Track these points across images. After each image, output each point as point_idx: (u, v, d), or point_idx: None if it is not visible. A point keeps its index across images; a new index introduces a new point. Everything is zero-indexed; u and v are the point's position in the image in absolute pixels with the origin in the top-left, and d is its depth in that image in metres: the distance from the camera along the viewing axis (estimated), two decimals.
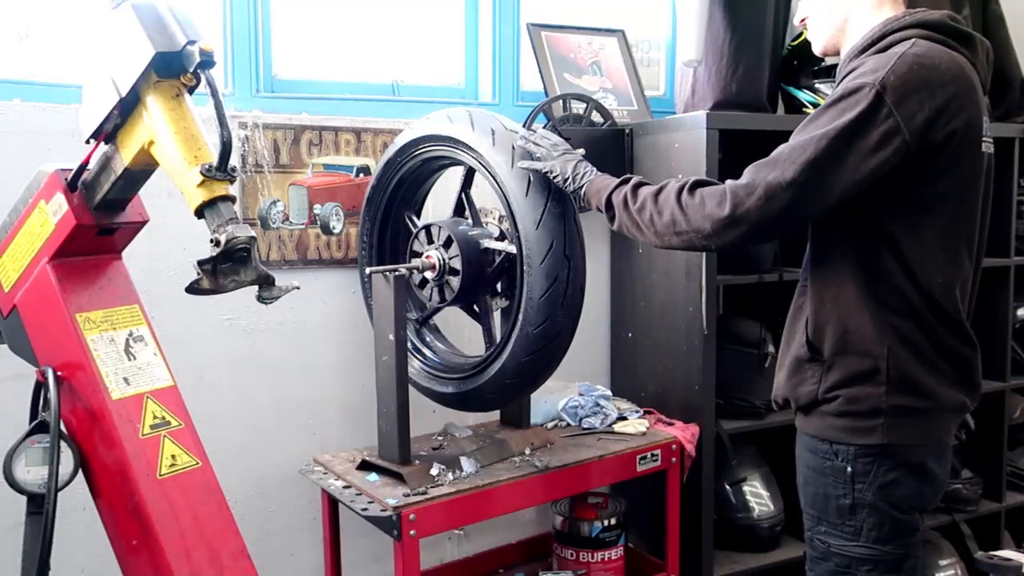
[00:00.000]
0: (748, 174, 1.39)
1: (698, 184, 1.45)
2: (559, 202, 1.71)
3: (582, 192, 1.64)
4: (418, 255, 1.93)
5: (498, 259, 1.88)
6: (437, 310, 2.06)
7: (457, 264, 1.85)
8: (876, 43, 1.42)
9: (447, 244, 1.87)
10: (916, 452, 1.43)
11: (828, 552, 1.48)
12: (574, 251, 1.72)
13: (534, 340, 1.74)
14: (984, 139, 1.43)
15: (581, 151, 1.75)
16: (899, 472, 1.42)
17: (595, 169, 1.67)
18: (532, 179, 1.70)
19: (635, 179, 1.59)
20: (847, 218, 1.41)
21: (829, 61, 2.39)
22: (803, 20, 1.61)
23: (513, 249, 1.77)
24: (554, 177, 1.67)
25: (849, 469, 1.43)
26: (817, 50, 1.58)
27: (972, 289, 1.51)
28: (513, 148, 1.72)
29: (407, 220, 2.09)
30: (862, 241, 1.42)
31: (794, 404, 1.53)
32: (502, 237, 1.89)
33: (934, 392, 1.42)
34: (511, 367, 1.80)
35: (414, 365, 2.06)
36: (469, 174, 1.94)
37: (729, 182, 1.41)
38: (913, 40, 1.37)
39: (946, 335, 1.43)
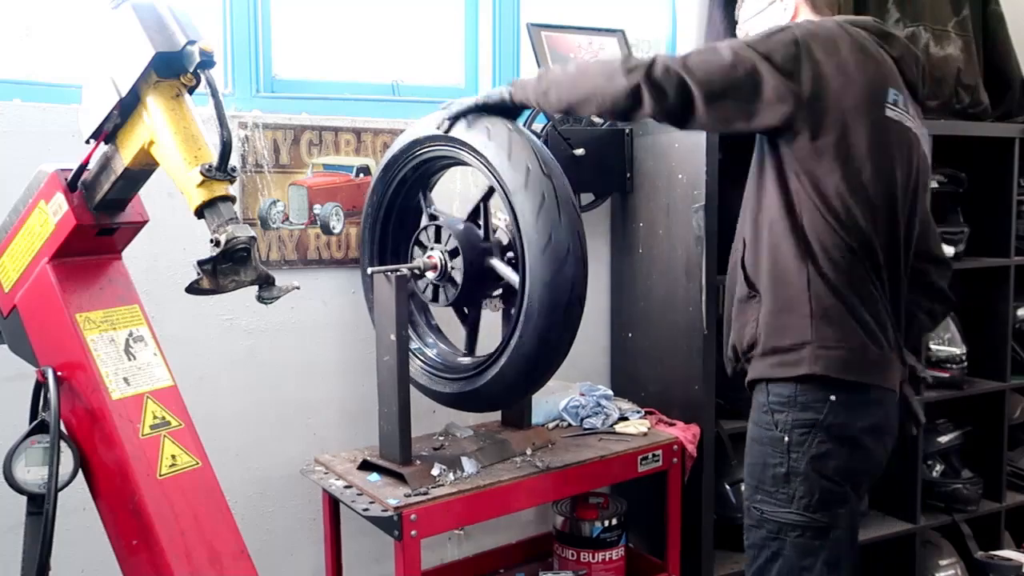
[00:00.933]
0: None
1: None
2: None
3: (508, 91, 1.71)
4: (422, 245, 1.92)
5: (500, 282, 1.88)
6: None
7: (458, 277, 1.85)
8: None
9: (453, 253, 1.86)
10: (849, 426, 1.50)
11: (762, 519, 1.56)
12: (575, 243, 1.71)
13: (534, 343, 1.74)
14: (890, 107, 1.52)
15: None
16: (832, 444, 1.49)
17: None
18: (530, 168, 1.69)
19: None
20: (766, 157, 1.54)
21: None
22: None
23: (516, 280, 1.77)
24: (483, 105, 1.74)
25: (786, 439, 1.51)
26: None
27: (905, 250, 1.58)
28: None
29: (421, 198, 2.05)
30: (782, 177, 1.52)
31: (740, 350, 1.61)
32: (510, 247, 1.87)
33: (853, 333, 1.49)
34: (510, 369, 1.80)
35: (415, 365, 2.06)
36: (490, 190, 1.90)
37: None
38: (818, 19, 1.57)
39: (858, 284, 1.50)
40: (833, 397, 1.49)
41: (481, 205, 1.93)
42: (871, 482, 1.64)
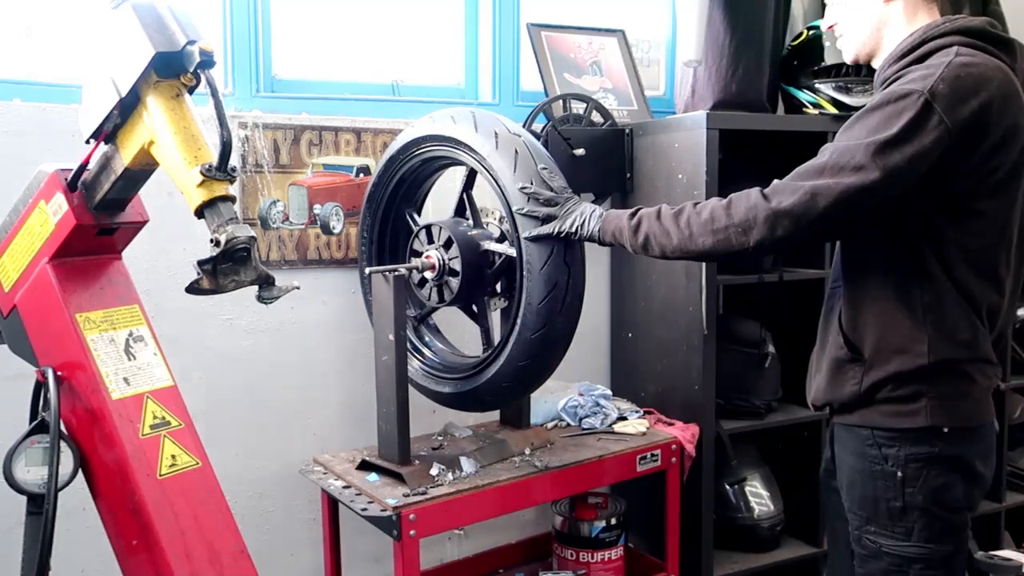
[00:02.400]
0: (792, 176, 1.40)
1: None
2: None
3: (597, 231, 1.62)
4: (418, 254, 1.93)
5: (498, 261, 1.88)
6: (435, 308, 2.06)
7: (457, 265, 1.85)
8: (916, 49, 1.41)
9: (447, 245, 1.87)
10: (963, 456, 1.45)
11: (879, 552, 1.50)
12: (574, 258, 1.72)
13: (532, 345, 1.74)
14: None
15: (578, 200, 1.71)
16: (949, 476, 1.44)
17: (597, 207, 1.66)
18: (534, 184, 1.70)
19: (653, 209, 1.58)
20: (888, 217, 1.42)
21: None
22: (831, 27, 1.59)
23: (513, 252, 1.77)
24: (566, 234, 1.65)
25: (900, 474, 1.45)
26: (848, 57, 1.58)
27: (1012, 295, 1.52)
28: (513, 217, 1.70)
29: (408, 217, 2.09)
30: (901, 239, 1.43)
31: (836, 404, 1.54)
32: (502, 238, 1.89)
33: (972, 376, 1.46)
34: (508, 371, 1.80)
35: (413, 364, 2.06)
36: (471, 175, 1.94)
37: (774, 182, 1.42)
38: (956, 48, 1.37)
39: (980, 330, 1.46)
40: (946, 429, 1.44)
41: (464, 196, 1.95)
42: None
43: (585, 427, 2.27)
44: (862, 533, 1.52)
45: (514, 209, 1.71)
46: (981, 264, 1.42)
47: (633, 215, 1.58)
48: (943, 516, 1.46)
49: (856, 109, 2.34)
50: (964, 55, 1.35)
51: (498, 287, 1.94)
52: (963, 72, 1.32)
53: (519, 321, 1.74)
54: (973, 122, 1.31)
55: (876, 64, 1.53)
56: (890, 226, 1.44)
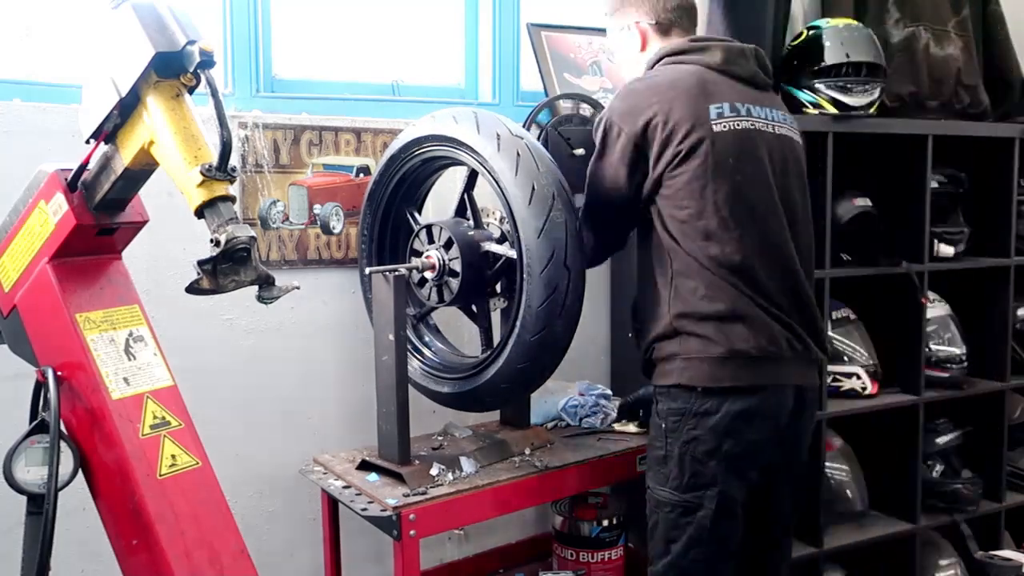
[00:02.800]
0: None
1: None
2: (562, 212, 1.71)
3: None
4: (418, 253, 1.93)
5: (498, 262, 1.88)
6: (434, 308, 2.07)
7: (457, 266, 1.85)
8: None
9: (447, 245, 1.87)
10: (720, 414, 1.62)
11: (648, 494, 1.73)
12: (575, 261, 1.72)
13: (531, 347, 1.75)
14: (718, 120, 1.64)
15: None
16: (702, 431, 1.63)
17: None
18: (535, 187, 1.70)
19: None
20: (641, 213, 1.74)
21: None
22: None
23: (513, 254, 1.77)
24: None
25: (663, 425, 1.68)
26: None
27: (790, 251, 1.69)
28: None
29: (409, 216, 2.08)
30: (644, 223, 1.73)
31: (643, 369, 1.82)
32: (503, 239, 1.89)
33: (717, 337, 1.61)
34: (507, 372, 1.81)
35: (413, 364, 2.06)
36: (472, 176, 1.94)
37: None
38: (654, 70, 1.76)
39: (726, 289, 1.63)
40: (699, 388, 1.63)
41: (465, 197, 1.96)
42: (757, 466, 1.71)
43: (585, 426, 2.27)
44: (645, 477, 1.75)
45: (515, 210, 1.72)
46: (695, 228, 1.62)
47: None
48: (693, 468, 1.64)
49: (856, 109, 2.37)
50: (650, 73, 1.76)
51: (498, 287, 1.94)
52: (629, 90, 1.71)
53: (518, 323, 1.74)
54: (643, 123, 1.64)
55: None
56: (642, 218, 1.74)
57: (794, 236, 1.70)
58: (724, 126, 1.64)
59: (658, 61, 1.76)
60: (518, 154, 1.72)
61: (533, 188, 1.70)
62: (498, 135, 1.75)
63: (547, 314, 1.71)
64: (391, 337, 1.83)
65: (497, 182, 1.75)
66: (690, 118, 1.62)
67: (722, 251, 1.60)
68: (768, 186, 1.67)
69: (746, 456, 1.65)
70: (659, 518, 1.69)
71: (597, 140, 1.72)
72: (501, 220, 1.90)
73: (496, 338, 1.96)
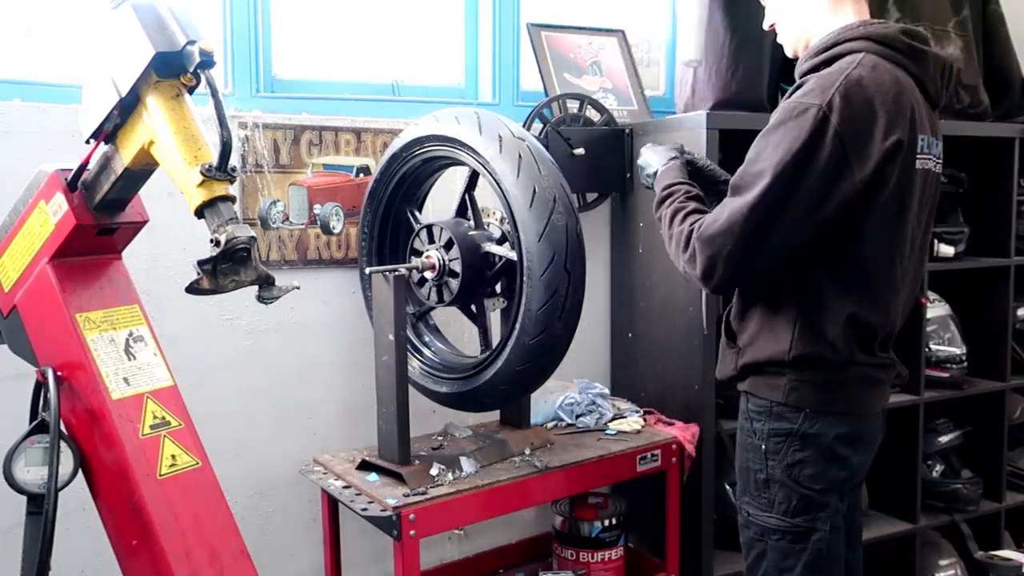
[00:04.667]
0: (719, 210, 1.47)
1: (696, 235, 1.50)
2: (563, 215, 1.71)
3: (651, 183, 1.75)
4: (418, 253, 1.93)
5: (498, 263, 1.88)
6: (433, 307, 2.07)
7: (457, 267, 1.85)
8: (827, 50, 1.48)
9: (448, 246, 1.87)
10: (822, 437, 1.52)
11: (748, 520, 1.60)
12: (575, 265, 1.72)
13: (530, 350, 1.75)
14: (921, 156, 1.48)
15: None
16: (806, 453, 1.52)
17: (671, 162, 1.73)
18: (536, 190, 1.70)
19: (684, 190, 1.63)
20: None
21: None
22: (771, 26, 1.67)
23: (514, 255, 1.77)
24: (647, 185, 1.78)
25: (763, 447, 1.55)
26: (789, 53, 1.66)
27: (903, 302, 1.57)
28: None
29: (409, 216, 2.08)
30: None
31: (725, 381, 1.68)
32: (503, 239, 1.89)
33: (839, 364, 1.51)
34: (506, 373, 1.81)
35: (413, 364, 2.06)
36: (473, 176, 1.94)
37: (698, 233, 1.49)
38: (859, 58, 1.43)
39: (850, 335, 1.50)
40: (808, 409, 1.52)
41: (466, 197, 1.95)
42: (856, 484, 1.67)
43: (580, 425, 2.27)
44: (740, 503, 1.63)
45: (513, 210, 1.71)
46: (851, 280, 1.47)
47: (667, 187, 1.65)
48: (800, 492, 1.53)
49: None
50: (864, 67, 1.41)
51: (498, 288, 1.94)
52: (857, 86, 1.38)
53: (518, 326, 1.74)
54: (870, 140, 1.38)
55: None
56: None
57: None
58: (922, 164, 1.48)
59: (851, 40, 1.46)
60: (520, 156, 1.72)
61: (535, 191, 1.70)
62: (500, 136, 1.75)
63: (547, 317, 1.71)
64: (391, 337, 1.83)
65: (498, 184, 1.75)
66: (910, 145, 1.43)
67: (864, 309, 1.49)
68: (918, 236, 1.55)
69: (850, 478, 1.60)
70: (767, 547, 1.56)
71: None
72: (501, 220, 1.90)
73: (495, 338, 1.96)
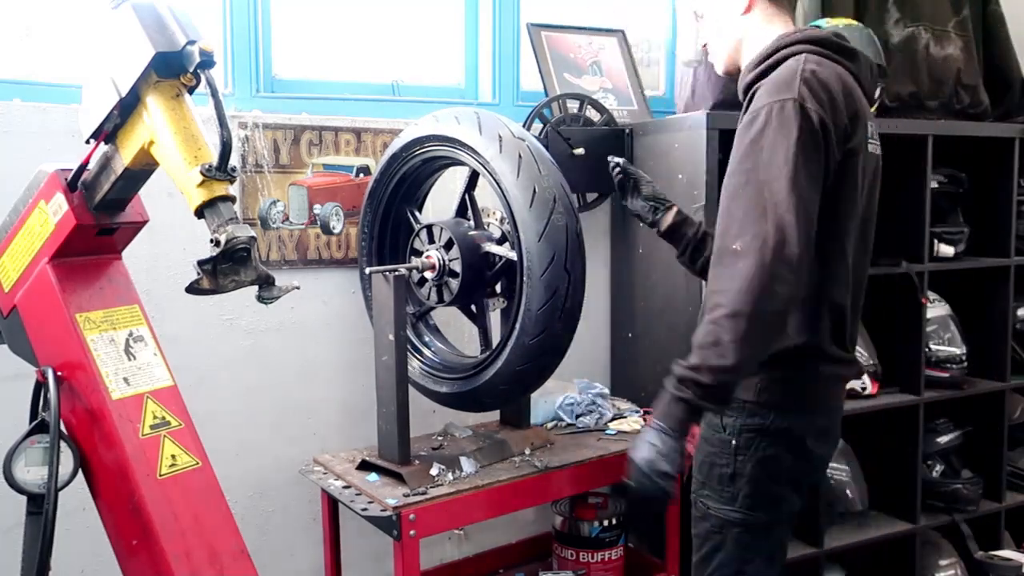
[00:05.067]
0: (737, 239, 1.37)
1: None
2: (563, 215, 1.71)
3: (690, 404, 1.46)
4: (418, 252, 1.93)
5: (498, 263, 1.88)
6: (433, 307, 2.07)
7: (457, 267, 1.85)
8: (769, 57, 1.51)
9: (448, 246, 1.87)
10: (793, 432, 1.53)
11: (707, 513, 1.59)
12: (575, 265, 1.72)
13: (530, 350, 1.75)
14: (870, 141, 1.53)
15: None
16: (777, 449, 1.52)
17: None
18: (536, 190, 1.70)
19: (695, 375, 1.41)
20: None
21: None
22: (704, 46, 1.70)
23: (514, 255, 1.77)
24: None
25: (733, 442, 1.54)
26: (720, 71, 1.68)
27: (860, 287, 1.60)
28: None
29: (409, 215, 2.08)
30: None
31: None
32: (503, 239, 1.89)
33: (809, 360, 1.51)
34: (506, 373, 1.81)
35: (413, 364, 2.06)
36: (473, 176, 1.94)
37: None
38: (803, 57, 1.46)
39: (822, 324, 1.51)
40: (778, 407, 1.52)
41: (466, 197, 1.95)
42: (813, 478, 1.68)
43: (580, 425, 2.27)
44: (697, 496, 1.61)
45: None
46: (826, 258, 1.47)
47: (680, 383, 1.40)
48: (768, 486, 1.54)
49: None
50: (811, 62, 1.45)
51: (498, 288, 1.94)
52: (814, 77, 1.42)
53: (518, 326, 1.75)
54: (839, 120, 1.42)
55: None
56: None
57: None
58: (872, 148, 1.53)
59: (790, 44, 1.50)
60: (520, 156, 1.72)
61: (534, 191, 1.70)
62: (500, 136, 1.75)
63: (547, 317, 1.71)
64: (391, 337, 1.83)
65: (498, 184, 1.75)
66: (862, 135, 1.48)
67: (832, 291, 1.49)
68: (870, 220, 1.58)
69: (813, 472, 1.63)
70: (725, 539, 1.56)
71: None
72: (501, 220, 1.90)
73: (495, 338, 1.97)
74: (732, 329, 1.34)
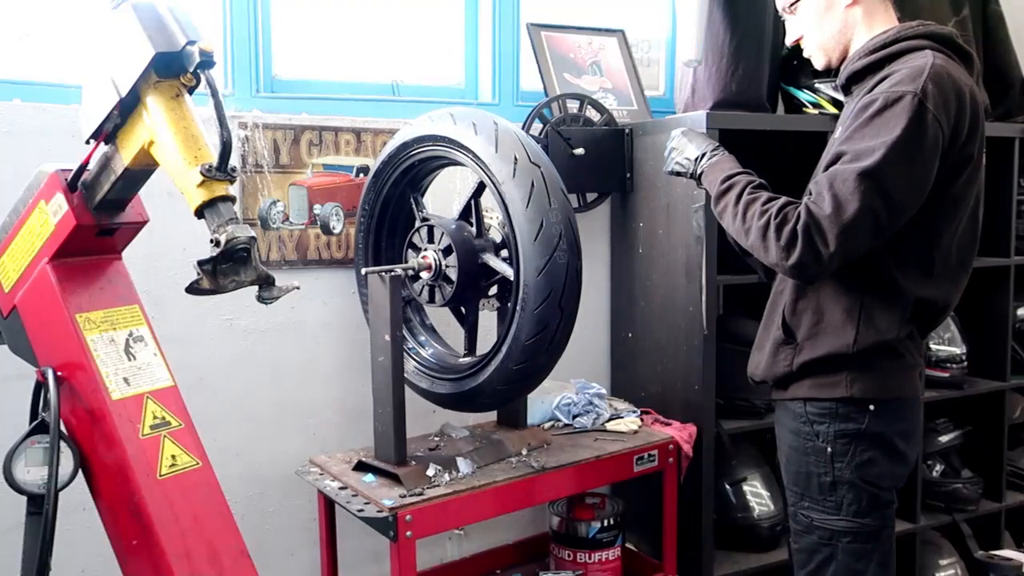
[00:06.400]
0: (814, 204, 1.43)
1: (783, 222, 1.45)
2: (566, 252, 1.70)
3: (700, 174, 1.70)
4: (415, 247, 1.92)
5: (495, 276, 1.88)
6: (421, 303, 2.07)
7: (453, 275, 1.85)
8: (884, 48, 1.51)
9: (447, 251, 1.86)
10: (886, 433, 1.54)
11: (811, 526, 1.59)
12: (570, 303, 1.73)
13: (512, 374, 1.78)
14: (984, 149, 1.54)
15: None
16: (874, 452, 1.53)
17: (717, 151, 1.69)
18: (543, 225, 1.68)
19: (746, 180, 1.58)
20: None
21: None
22: (797, 40, 1.68)
23: (511, 272, 1.77)
24: (682, 171, 1.74)
25: (829, 450, 1.55)
26: (820, 64, 1.68)
27: (960, 287, 1.61)
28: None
29: (412, 201, 2.06)
30: None
31: (772, 381, 1.67)
32: (502, 245, 1.87)
33: (895, 354, 1.54)
34: (486, 389, 1.84)
35: (409, 365, 2.06)
36: (481, 185, 1.90)
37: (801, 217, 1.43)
38: (932, 54, 1.46)
39: (905, 326, 1.53)
40: (872, 407, 1.53)
41: (472, 202, 1.93)
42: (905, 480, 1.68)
43: (577, 426, 2.27)
44: (797, 509, 1.62)
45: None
46: (924, 263, 1.51)
47: (727, 179, 1.59)
48: (870, 491, 1.54)
49: None
50: (940, 60, 1.45)
51: (490, 292, 1.94)
52: (945, 75, 1.42)
53: (504, 350, 1.77)
54: (956, 126, 1.42)
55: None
56: None
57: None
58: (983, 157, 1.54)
59: (912, 38, 1.50)
60: (532, 184, 1.69)
61: (542, 224, 1.68)
62: (515, 159, 1.71)
63: (533, 350, 1.74)
64: (387, 337, 1.83)
65: (506, 207, 1.73)
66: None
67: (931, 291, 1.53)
68: (976, 219, 1.60)
69: (906, 473, 1.62)
70: (836, 550, 1.55)
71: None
72: (502, 225, 1.89)
73: (480, 341, 1.98)
74: (752, 233, 1.48)
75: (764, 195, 1.52)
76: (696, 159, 1.70)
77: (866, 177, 1.37)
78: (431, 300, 1.91)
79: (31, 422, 1.37)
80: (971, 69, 1.53)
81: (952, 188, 1.47)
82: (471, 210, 1.94)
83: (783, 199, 1.49)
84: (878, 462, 1.54)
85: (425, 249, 1.90)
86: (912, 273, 1.50)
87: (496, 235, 1.92)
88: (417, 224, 1.96)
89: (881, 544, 1.56)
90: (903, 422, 1.57)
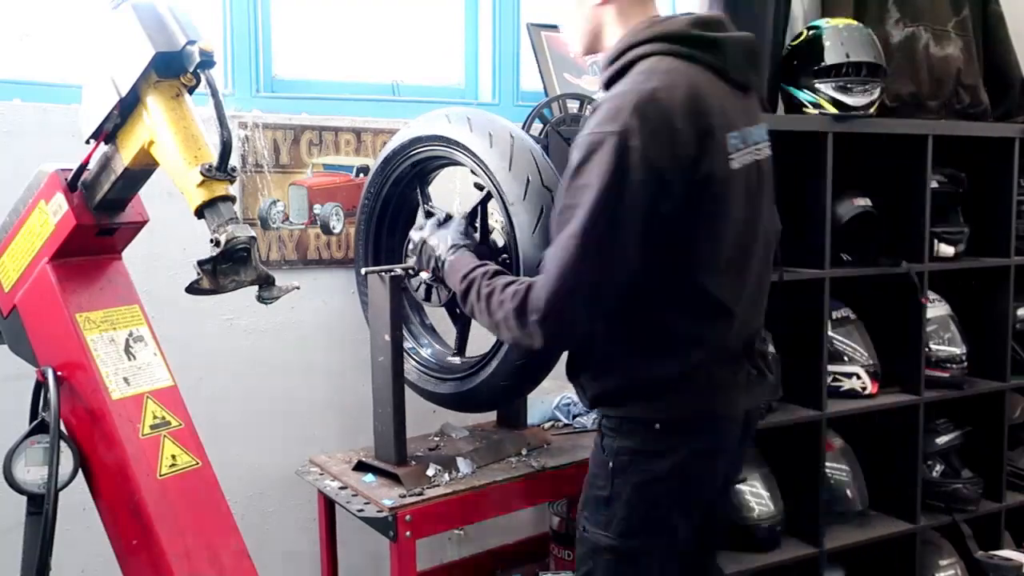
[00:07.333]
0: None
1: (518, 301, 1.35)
2: None
3: (447, 266, 1.62)
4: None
5: None
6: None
7: None
8: (620, 56, 1.39)
9: None
10: (675, 453, 1.42)
11: (583, 536, 1.49)
12: None
13: (498, 391, 1.81)
14: (736, 155, 1.37)
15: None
16: (655, 471, 1.41)
17: (460, 245, 1.63)
18: (544, 210, 1.68)
19: (482, 272, 1.48)
20: None
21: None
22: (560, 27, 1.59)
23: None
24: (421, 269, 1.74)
25: (610, 464, 1.44)
26: (573, 54, 1.59)
27: (760, 298, 1.51)
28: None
29: (418, 193, 2.03)
30: None
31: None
32: (504, 249, 1.86)
33: (684, 375, 1.41)
34: (472, 396, 1.86)
35: (409, 365, 2.05)
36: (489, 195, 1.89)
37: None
38: (651, 64, 1.34)
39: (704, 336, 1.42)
40: (657, 425, 1.41)
41: (479, 208, 1.92)
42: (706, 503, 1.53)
43: (577, 426, 2.27)
44: (580, 515, 1.51)
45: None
46: (697, 293, 1.38)
47: (464, 278, 1.49)
48: (645, 511, 1.42)
49: (856, 109, 2.36)
50: (655, 77, 1.31)
51: None
52: (652, 99, 1.28)
53: (493, 366, 1.78)
54: (669, 154, 1.28)
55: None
56: None
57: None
58: (740, 162, 1.38)
59: (641, 43, 1.37)
60: (543, 209, 1.67)
61: (546, 239, 1.66)
62: (528, 180, 1.69)
63: (520, 373, 1.76)
64: (387, 337, 1.83)
65: (514, 232, 1.71)
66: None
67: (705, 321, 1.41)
68: (759, 232, 1.46)
69: (702, 496, 1.48)
70: (595, 566, 1.46)
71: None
72: (503, 229, 1.88)
73: (473, 342, 1.98)
74: (495, 320, 1.40)
75: (499, 281, 1.42)
76: (440, 262, 1.65)
77: (573, 239, 1.28)
78: (427, 299, 1.91)
79: (31, 422, 1.37)
80: (723, 58, 1.39)
81: (702, 208, 1.33)
82: (476, 214, 1.92)
83: (515, 284, 1.38)
84: (659, 482, 1.41)
85: None
86: (676, 309, 1.39)
87: (498, 237, 1.91)
88: (420, 220, 1.94)
89: (642, 569, 1.44)
90: (698, 442, 1.43)
